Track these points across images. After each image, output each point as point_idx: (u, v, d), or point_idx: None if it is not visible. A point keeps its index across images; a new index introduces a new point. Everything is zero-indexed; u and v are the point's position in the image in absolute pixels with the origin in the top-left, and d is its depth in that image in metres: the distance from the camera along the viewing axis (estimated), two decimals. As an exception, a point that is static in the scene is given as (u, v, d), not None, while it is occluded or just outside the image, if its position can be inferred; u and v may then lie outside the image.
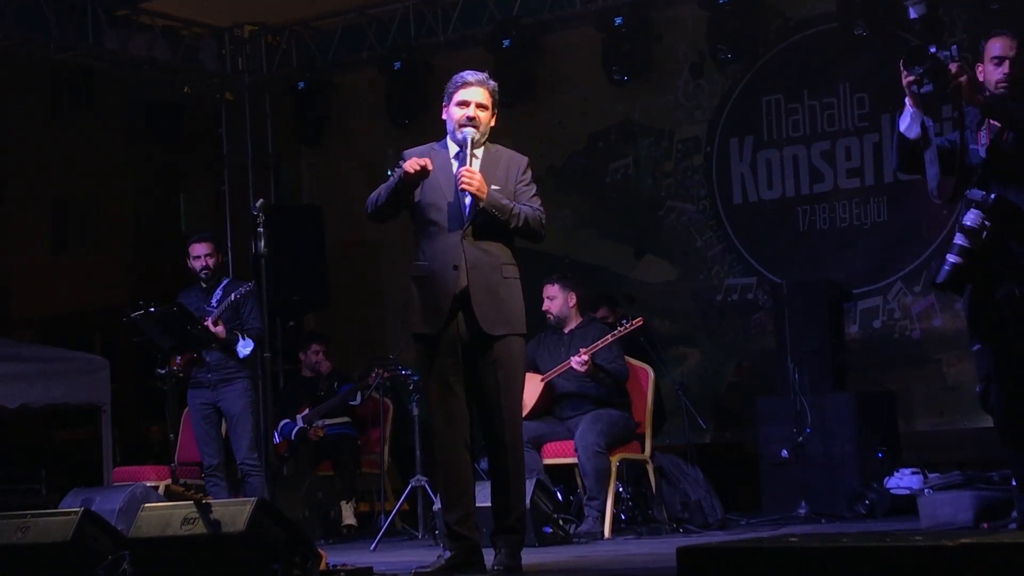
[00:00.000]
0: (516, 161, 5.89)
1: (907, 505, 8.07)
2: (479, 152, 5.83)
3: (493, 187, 5.72)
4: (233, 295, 8.46)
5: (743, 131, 10.95)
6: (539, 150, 11.82)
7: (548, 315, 8.59)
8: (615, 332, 8.38)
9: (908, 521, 7.79)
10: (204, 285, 8.71)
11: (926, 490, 7.52)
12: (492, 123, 5.87)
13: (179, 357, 8.58)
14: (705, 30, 10.81)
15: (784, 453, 9.09)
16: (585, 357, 8.20)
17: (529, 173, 5.87)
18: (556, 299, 8.58)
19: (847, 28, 10.12)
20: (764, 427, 9.43)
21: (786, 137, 10.75)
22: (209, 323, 8.39)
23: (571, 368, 8.28)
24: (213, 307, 8.56)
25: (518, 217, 5.71)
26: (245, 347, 8.46)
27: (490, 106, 5.83)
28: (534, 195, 5.84)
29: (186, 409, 9.74)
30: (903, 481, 8.41)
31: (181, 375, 8.55)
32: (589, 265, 11.25)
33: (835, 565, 3.53)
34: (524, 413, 8.20)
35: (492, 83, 5.87)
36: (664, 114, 11.32)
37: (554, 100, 11.68)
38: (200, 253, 8.67)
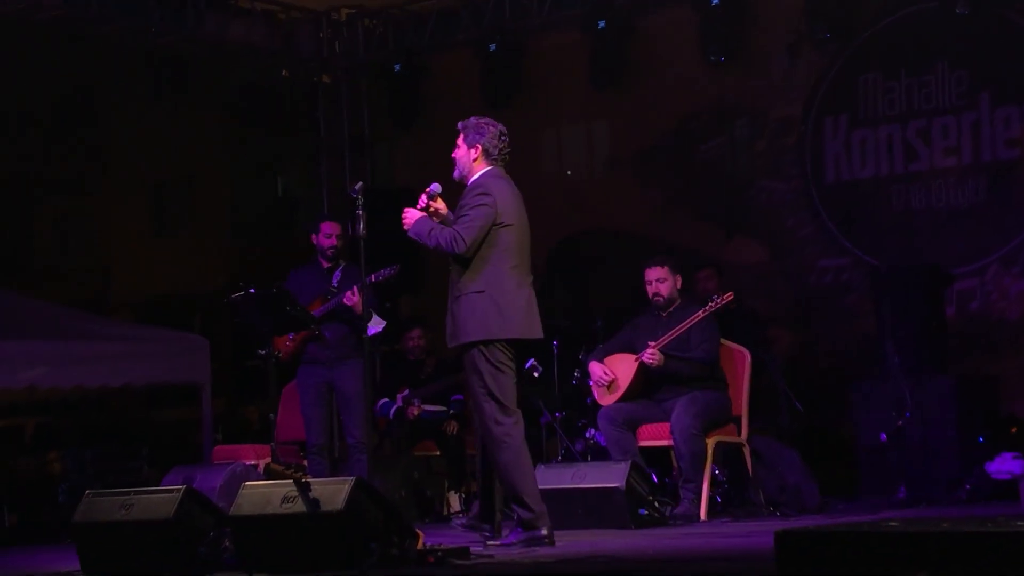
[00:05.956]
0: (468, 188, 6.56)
1: (1008, 490, 7.98)
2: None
3: (438, 215, 6.57)
4: (376, 275, 8.47)
5: (839, 110, 10.83)
6: (630, 131, 11.80)
7: (658, 298, 8.39)
8: (705, 308, 8.28)
9: (1009, 506, 7.70)
10: (327, 264, 8.77)
11: (1028, 475, 7.43)
12: (473, 154, 6.65)
13: (292, 334, 8.67)
14: (802, 9, 10.72)
15: (883, 437, 8.98)
16: (653, 351, 8.15)
17: (470, 195, 6.51)
18: (666, 281, 8.42)
19: (948, 7, 9.95)
20: (861, 411, 9.34)
21: (882, 115, 10.61)
22: (350, 294, 8.42)
23: (643, 362, 8.24)
24: (334, 286, 8.65)
25: (430, 241, 6.50)
26: (377, 325, 8.52)
27: (459, 143, 6.69)
28: (461, 216, 6.49)
29: (286, 387, 9.86)
30: (1004, 466, 8.30)
31: (279, 355, 8.63)
32: (680, 246, 11.18)
33: (935, 550, 3.50)
34: (618, 395, 8.28)
35: (460, 125, 6.76)
36: (759, 94, 11.23)
37: (648, 80, 11.61)
38: (332, 232, 8.75)
